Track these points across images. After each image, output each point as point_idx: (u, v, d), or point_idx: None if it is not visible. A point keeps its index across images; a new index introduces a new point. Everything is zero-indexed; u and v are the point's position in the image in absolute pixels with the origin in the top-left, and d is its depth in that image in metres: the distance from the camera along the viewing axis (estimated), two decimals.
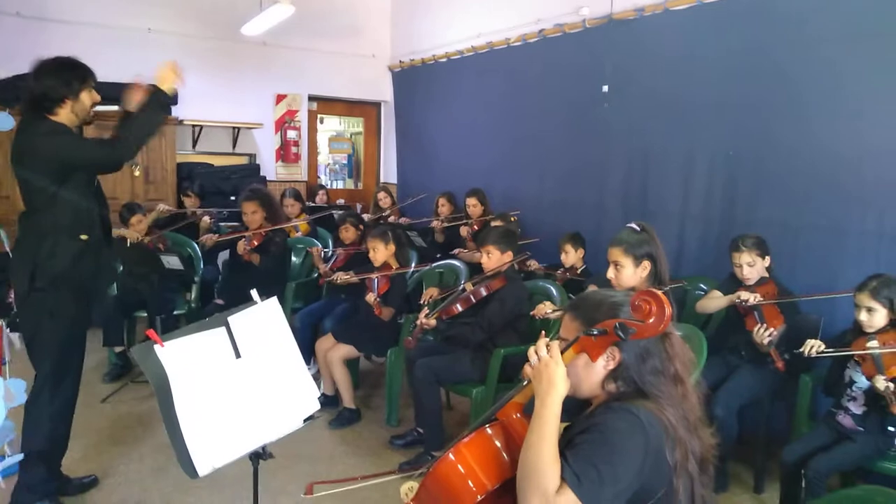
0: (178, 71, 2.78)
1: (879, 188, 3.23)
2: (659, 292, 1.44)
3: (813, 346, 2.69)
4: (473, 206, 5.36)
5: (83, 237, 2.62)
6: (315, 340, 4.05)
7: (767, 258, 3.23)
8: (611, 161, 4.74)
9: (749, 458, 3.25)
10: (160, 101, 2.71)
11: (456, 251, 5.03)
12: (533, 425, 1.41)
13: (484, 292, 3.43)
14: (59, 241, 2.58)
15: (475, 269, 4.07)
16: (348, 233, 4.65)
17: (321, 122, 7.98)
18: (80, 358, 2.77)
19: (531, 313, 3.33)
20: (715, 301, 3.28)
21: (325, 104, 7.77)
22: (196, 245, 5.07)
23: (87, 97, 2.65)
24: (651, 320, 1.42)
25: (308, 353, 3.97)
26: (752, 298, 3.07)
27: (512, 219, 5.12)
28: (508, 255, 3.50)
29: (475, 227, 5.18)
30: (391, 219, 5.99)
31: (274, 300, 1.98)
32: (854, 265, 3.12)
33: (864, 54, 3.27)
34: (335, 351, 3.80)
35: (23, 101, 2.66)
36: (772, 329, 2.97)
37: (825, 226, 3.44)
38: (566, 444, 1.43)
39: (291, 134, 7.36)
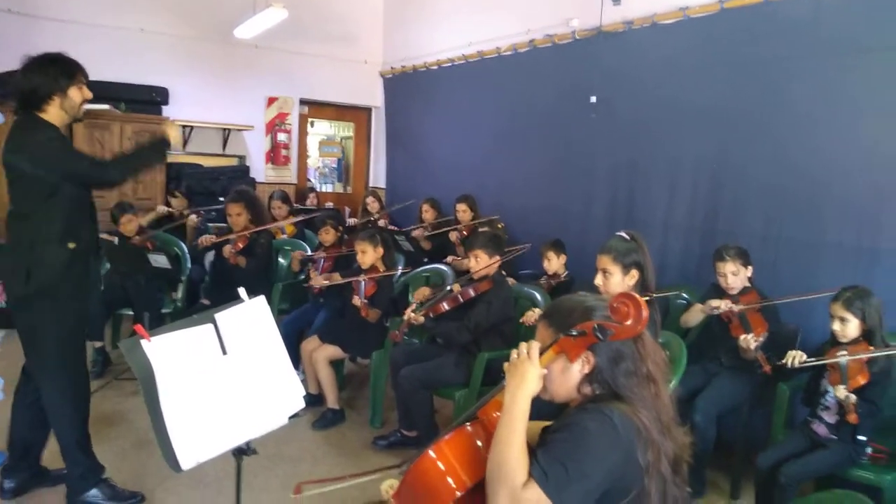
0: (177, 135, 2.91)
1: (858, 203, 3.31)
2: (636, 294, 1.48)
3: (795, 357, 2.75)
4: (463, 211, 5.40)
5: (71, 245, 2.62)
6: (300, 348, 4.06)
7: (750, 268, 3.30)
8: (597, 170, 4.80)
9: (726, 465, 3.30)
10: (160, 144, 2.84)
11: (449, 259, 5.06)
12: (502, 420, 1.44)
13: (472, 293, 3.48)
14: (48, 250, 2.57)
15: (463, 275, 4.10)
16: (328, 235, 4.67)
17: (311, 125, 8.00)
18: (83, 350, 2.81)
19: (521, 321, 3.38)
20: (694, 314, 3.35)
21: (316, 108, 7.81)
22: (184, 244, 5.08)
23: (76, 94, 2.64)
24: (628, 322, 1.46)
25: (294, 361, 3.98)
26: (722, 305, 3.17)
27: (499, 225, 5.17)
28: (496, 259, 3.54)
29: (464, 232, 5.22)
30: (380, 223, 6.03)
31: (262, 298, 2.01)
32: (831, 277, 3.18)
33: (847, 70, 3.35)
34: (320, 351, 3.83)
35: (13, 99, 2.66)
36: (757, 335, 3.06)
37: (805, 239, 3.51)
38: (540, 443, 1.47)
39: (282, 136, 7.38)
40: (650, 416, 1.45)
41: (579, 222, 4.89)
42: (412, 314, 3.51)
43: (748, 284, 3.31)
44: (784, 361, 2.77)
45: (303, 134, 7.73)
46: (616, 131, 4.63)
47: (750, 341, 3.03)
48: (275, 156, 7.37)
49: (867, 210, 3.27)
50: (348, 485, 1.83)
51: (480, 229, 4.65)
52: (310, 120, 7.88)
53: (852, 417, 2.56)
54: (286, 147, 7.41)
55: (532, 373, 1.46)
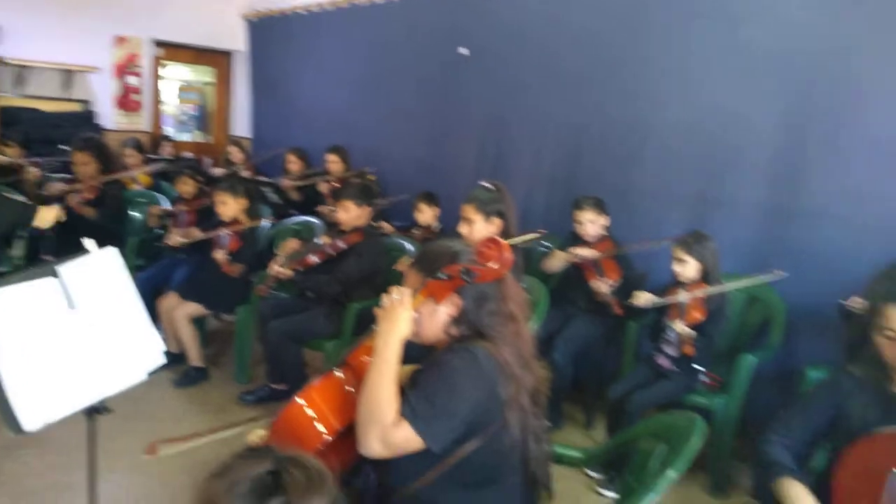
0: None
1: (698, 157, 3.59)
2: (500, 239, 1.54)
3: (642, 297, 3.00)
4: (333, 162, 5.25)
5: None
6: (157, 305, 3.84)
7: (606, 217, 3.52)
8: (466, 124, 4.85)
9: (582, 400, 3.56)
10: (18, 215, 2.63)
11: (319, 209, 4.95)
12: (374, 363, 1.47)
13: (342, 245, 3.43)
14: None
15: (334, 227, 4.03)
16: (187, 186, 4.41)
17: (165, 68, 7.45)
18: None
19: (394, 267, 3.39)
20: (557, 260, 3.53)
21: (172, 50, 7.25)
22: (23, 198, 4.61)
23: None
24: (493, 264, 1.52)
25: (152, 319, 3.74)
26: (587, 253, 3.38)
27: (370, 177, 5.12)
28: (366, 210, 3.51)
29: (335, 184, 5.12)
30: (244, 174, 5.76)
31: (112, 249, 1.89)
32: (675, 225, 3.46)
33: (694, 34, 3.58)
34: (181, 309, 3.65)
35: None
36: (610, 280, 3.28)
37: (654, 190, 3.77)
38: (410, 384, 1.51)
39: (132, 80, 6.82)
40: (512, 353, 1.54)
41: (450, 175, 4.93)
42: (279, 268, 3.43)
43: (604, 233, 3.53)
44: (630, 301, 3.01)
45: (156, 78, 7.18)
46: (485, 85, 4.69)
47: (603, 286, 3.28)
48: (125, 101, 6.80)
49: (706, 163, 3.56)
50: (208, 440, 1.74)
51: (352, 180, 4.59)
52: (162, 62, 7.31)
53: (688, 349, 2.85)
54: (137, 92, 6.86)
55: (404, 316, 1.49)
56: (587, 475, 2.96)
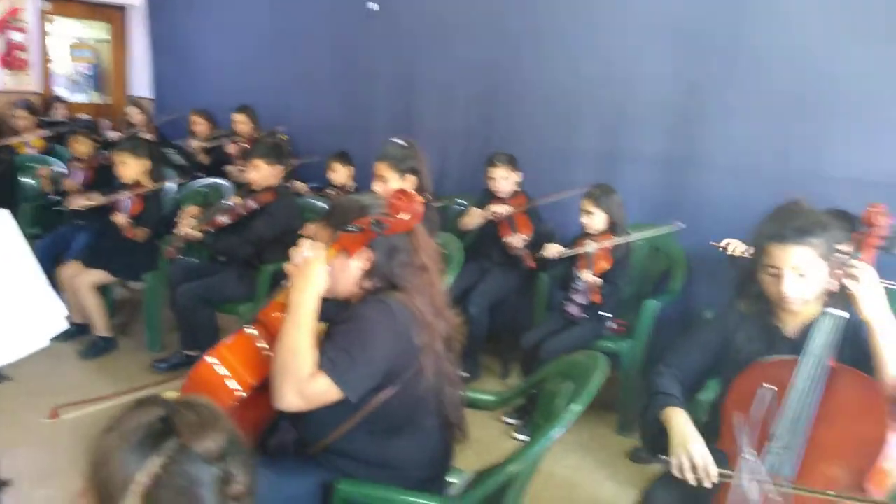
0: None
1: (602, 113, 3.71)
2: (410, 190, 1.56)
3: (552, 249, 3.10)
4: (242, 123, 5.08)
5: None
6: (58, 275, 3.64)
7: (518, 173, 3.59)
8: (378, 80, 4.79)
9: (498, 351, 3.67)
10: None
11: (227, 168, 4.79)
12: (288, 317, 1.47)
13: (253, 205, 3.35)
14: None
15: (245, 188, 3.91)
16: (82, 145, 4.18)
17: (52, 23, 6.91)
18: None
19: (299, 232, 3.34)
20: (474, 218, 3.58)
21: (59, 4, 6.73)
22: None
23: None
24: (403, 215, 1.53)
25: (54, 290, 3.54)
26: (503, 211, 3.44)
27: (282, 137, 4.99)
28: (278, 169, 3.43)
29: (245, 144, 4.96)
30: (146, 137, 5.48)
31: (3, 211, 1.77)
32: (583, 179, 3.56)
33: None
34: (83, 277, 3.49)
35: None
36: (523, 235, 3.36)
37: (561, 146, 3.88)
38: (326, 338, 1.52)
39: (17, 36, 6.30)
40: (425, 302, 1.57)
41: (362, 134, 4.86)
42: (189, 229, 3.31)
43: (517, 189, 3.61)
44: (542, 253, 3.12)
45: (43, 34, 6.66)
46: (396, 41, 4.63)
47: (518, 241, 3.37)
48: (9, 59, 6.29)
49: (609, 119, 3.69)
50: (113, 404, 1.68)
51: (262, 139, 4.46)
52: (49, 17, 6.77)
53: (596, 297, 2.98)
54: (23, 49, 6.35)
55: (319, 270, 1.50)
56: (504, 422, 3.08)
